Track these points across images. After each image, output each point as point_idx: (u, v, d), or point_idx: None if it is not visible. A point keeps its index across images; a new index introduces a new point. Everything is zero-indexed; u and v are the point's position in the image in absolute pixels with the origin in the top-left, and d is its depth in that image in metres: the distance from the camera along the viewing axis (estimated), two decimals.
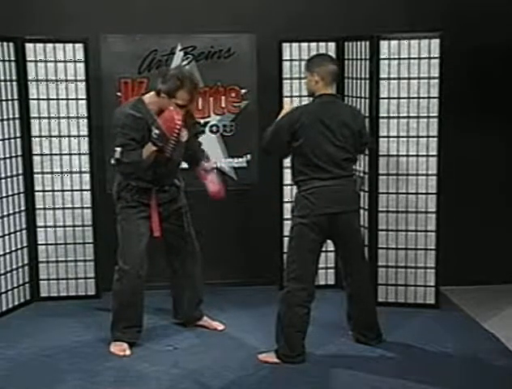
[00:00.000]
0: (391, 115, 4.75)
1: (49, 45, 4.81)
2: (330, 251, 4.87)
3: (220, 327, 4.52)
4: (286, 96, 5.03)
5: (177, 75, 3.95)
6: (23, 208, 4.90)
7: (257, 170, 5.21)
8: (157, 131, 3.89)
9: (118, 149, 3.96)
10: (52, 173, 4.94)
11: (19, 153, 4.85)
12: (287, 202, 4.95)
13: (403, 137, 4.77)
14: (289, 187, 4.90)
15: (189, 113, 4.18)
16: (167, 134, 3.89)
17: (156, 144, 3.92)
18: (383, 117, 4.75)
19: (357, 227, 4.16)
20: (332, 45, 5.01)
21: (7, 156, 4.74)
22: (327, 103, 4.00)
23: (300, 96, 4.98)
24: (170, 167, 4.15)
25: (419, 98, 4.71)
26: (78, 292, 5.07)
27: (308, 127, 3.90)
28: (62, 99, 4.87)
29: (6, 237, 4.77)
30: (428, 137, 4.73)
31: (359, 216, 4.24)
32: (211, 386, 3.81)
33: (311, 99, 4.07)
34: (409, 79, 4.70)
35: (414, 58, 4.68)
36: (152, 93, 4.08)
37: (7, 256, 4.79)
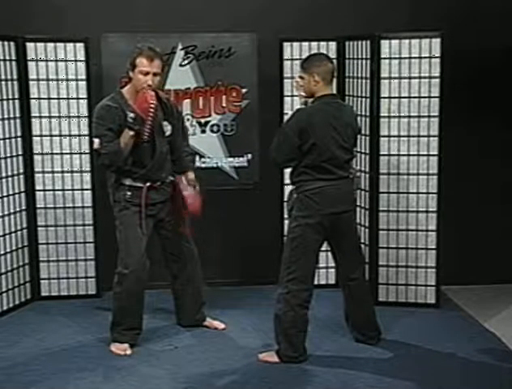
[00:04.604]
0: (392, 114, 4.75)
1: (50, 45, 4.82)
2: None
3: (221, 326, 4.52)
4: (287, 96, 5.04)
5: (136, 47, 4.04)
6: (23, 207, 4.90)
7: (257, 169, 5.21)
8: (132, 115, 3.92)
9: (96, 140, 3.98)
10: (53, 172, 4.94)
11: (20, 152, 4.85)
12: (287, 201, 4.94)
13: (403, 136, 4.76)
14: (290, 187, 4.89)
15: (172, 103, 4.25)
16: (143, 116, 3.91)
17: (133, 128, 3.93)
18: (384, 117, 4.75)
19: (356, 226, 4.18)
20: (333, 45, 5.01)
21: (8, 155, 4.75)
22: (331, 104, 3.98)
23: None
24: (157, 159, 4.12)
25: (420, 97, 4.71)
26: (78, 292, 5.07)
27: (317, 129, 3.87)
28: (63, 98, 4.88)
29: (7, 236, 4.77)
30: (429, 136, 4.73)
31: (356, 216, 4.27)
32: (211, 385, 3.81)
33: (310, 100, 4.04)
34: (410, 78, 4.70)
35: (415, 58, 4.68)
36: (128, 85, 4.11)
37: (8, 255, 4.79)
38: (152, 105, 3.92)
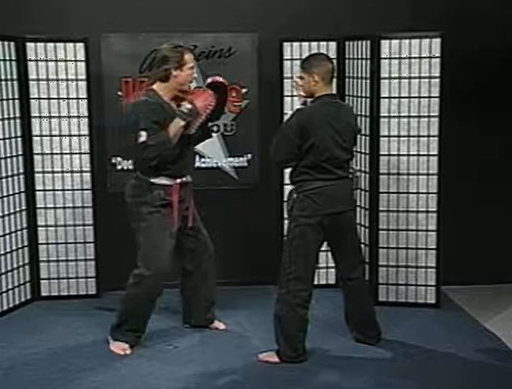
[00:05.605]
0: (392, 114, 4.75)
1: (50, 44, 4.82)
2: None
3: (221, 326, 4.52)
4: (287, 96, 5.04)
5: (170, 48, 4.03)
6: (23, 207, 4.90)
7: (257, 170, 5.21)
8: (189, 106, 3.96)
9: (143, 133, 3.93)
10: (53, 172, 4.94)
11: (20, 152, 4.85)
12: (287, 201, 4.94)
13: (403, 136, 4.77)
14: (290, 187, 4.89)
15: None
16: (200, 111, 3.97)
17: (186, 119, 3.96)
18: (384, 117, 4.75)
19: (356, 226, 4.18)
20: (333, 45, 5.01)
21: (8, 155, 4.75)
22: (331, 104, 3.98)
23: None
24: (185, 156, 4.14)
25: (420, 97, 4.71)
26: (78, 292, 5.07)
27: (316, 129, 3.86)
28: (63, 98, 4.88)
29: (7, 237, 4.77)
30: (429, 136, 4.73)
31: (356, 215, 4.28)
32: (211, 385, 3.82)
33: (309, 100, 4.04)
34: (410, 78, 4.70)
35: (415, 58, 4.68)
36: (157, 83, 4.08)
37: (8, 255, 4.79)
38: (212, 104, 4.01)
